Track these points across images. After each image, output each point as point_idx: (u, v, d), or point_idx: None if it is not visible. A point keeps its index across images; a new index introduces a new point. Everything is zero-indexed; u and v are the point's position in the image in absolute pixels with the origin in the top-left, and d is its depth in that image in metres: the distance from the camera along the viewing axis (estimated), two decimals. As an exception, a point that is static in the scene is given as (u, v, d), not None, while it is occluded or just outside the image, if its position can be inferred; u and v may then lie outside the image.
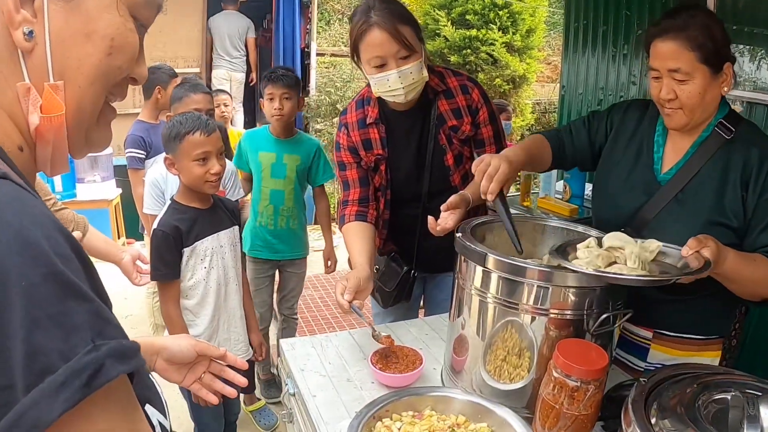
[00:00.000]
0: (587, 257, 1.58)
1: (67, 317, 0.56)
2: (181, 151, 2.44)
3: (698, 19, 1.72)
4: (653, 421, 1.14)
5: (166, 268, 2.51)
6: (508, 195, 1.85)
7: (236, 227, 2.74)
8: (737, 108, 3.43)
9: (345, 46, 13.68)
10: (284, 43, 8.24)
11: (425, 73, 2.22)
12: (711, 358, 1.90)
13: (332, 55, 11.04)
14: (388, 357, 1.89)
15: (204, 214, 2.58)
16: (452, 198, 2.02)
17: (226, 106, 4.98)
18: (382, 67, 2.17)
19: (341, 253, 6.83)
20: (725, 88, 1.77)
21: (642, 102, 2.01)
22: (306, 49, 8.56)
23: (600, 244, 1.63)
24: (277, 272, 3.91)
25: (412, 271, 2.52)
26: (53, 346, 0.54)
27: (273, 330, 4.26)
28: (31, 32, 0.72)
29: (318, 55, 9.33)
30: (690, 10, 1.76)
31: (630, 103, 2.09)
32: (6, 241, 0.55)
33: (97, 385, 0.55)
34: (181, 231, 2.50)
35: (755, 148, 1.76)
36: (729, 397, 1.16)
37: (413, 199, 2.47)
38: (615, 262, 1.58)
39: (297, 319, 4.16)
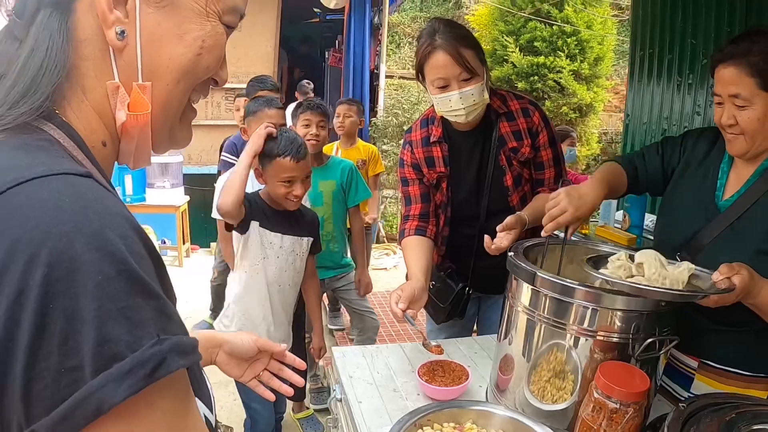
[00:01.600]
0: (612, 270, 1.60)
1: (136, 312, 0.60)
2: (270, 169, 2.63)
3: (760, 45, 1.72)
4: (690, 445, 1.15)
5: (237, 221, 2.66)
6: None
7: (310, 239, 2.89)
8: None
9: (414, 69, 13.81)
10: (354, 64, 8.38)
11: (486, 95, 2.27)
12: (758, 395, 1.85)
13: (401, 77, 11.17)
14: (435, 371, 1.93)
15: (279, 214, 2.75)
16: (509, 219, 2.07)
17: (349, 117, 4.96)
18: (444, 88, 2.23)
19: (395, 274, 6.91)
20: None
21: (715, 130, 2.00)
22: (375, 71, 8.68)
23: (632, 260, 1.65)
24: (325, 295, 3.99)
25: (467, 288, 2.55)
26: (122, 336, 0.58)
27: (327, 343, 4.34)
28: (123, 32, 0.75)
29: (387, 77, 9.45)
30: (754, 36, 1.76)
31: (703, 130, 2.09)
32: (86, 237, 0.59)
33: (159, 376, 0.60)
34: (256, 208, 2.68)
35: None
36: (769, 427, 1.17)
37: (472, 218, 2.52)
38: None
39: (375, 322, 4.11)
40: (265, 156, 2.63)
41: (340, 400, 1.99)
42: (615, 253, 1.72)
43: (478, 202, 2.49)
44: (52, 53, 0.73)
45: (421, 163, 2.50)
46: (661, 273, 1.56)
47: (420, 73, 2.33)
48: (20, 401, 0.56)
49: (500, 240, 2.05)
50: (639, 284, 1.47)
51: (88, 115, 0.77)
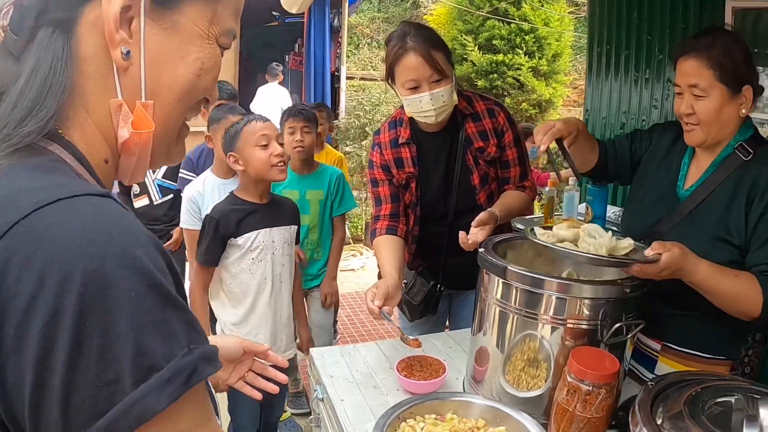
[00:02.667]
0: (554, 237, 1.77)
1: (168, 324, 0.64)
2: (242, 141, 2.62)
3: (722, 40, 1.83)
4: (659, 421, 1.23)
5: (207, 253, 2.66)
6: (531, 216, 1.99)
7: (295, 227, 2.88)
8: (765, 131, 3.49)
9: (374, 69, 13.89)
10: (315, 67, 8.43)
11: (455, 96, 2.36)
12: None
13: (362, 78, 11.23)
14: (413, 366, 1.99)
15: (260, 208, 2.72)
16: (482, 215, 2.15)
17: (320, 124, 4.72)
18: (415, 89, 2.31)
19: (363, 275, 6.96)
20: (743, 110, 1.86)
21: (679, 125, 2.08)
22: (336, 73, 8.74)
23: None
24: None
25: (438, 285, 2.62)
26: (157, 348, 0.62)
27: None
28: (128, 52, 0.77)
29: (348, 78, 9.52)
30: (715, 32, 1.88)
31: (669, 125, 2.20)
32: (116, 257, 0.62)
33: (193, 383, 0.64)
34: (230, 220, 2.64)
35: (767, 168, 1.83)
36: (732, 400, 1.24)
37: (441, 216, 2.59)
38: None
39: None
40: (233, 137, 2.65)
41: (322, 400, 2.04)
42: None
43: (446, 201, 2.57)
44: (56, 72, 0.75)
45: (390, 164, 2.56)
46: (593, 243, 1.69)
47: (390, 75, 2.39)
48: (59, 416, 0.59)
49: (474, 235, 2.12)
50: (567, 249, 1.65)
51: (90, 133, 0.79)
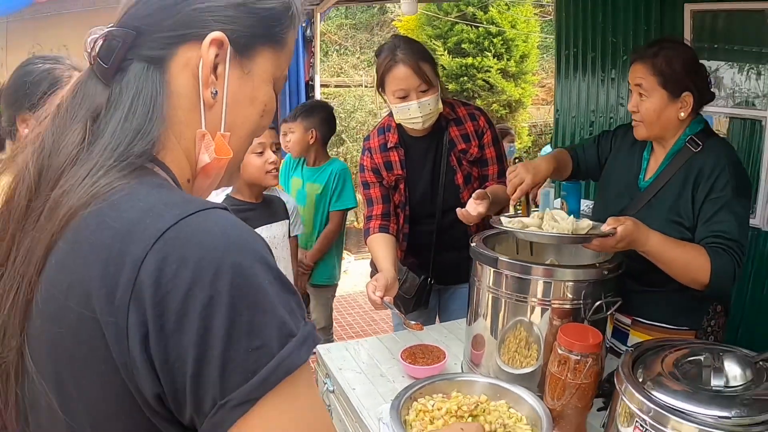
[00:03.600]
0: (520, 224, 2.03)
1: (290, 304, 0.77)
2: None
3: (665, 51, 2.08)
4: (640, 379, 1.43)
5: None
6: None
7: (287, 221, 3.02)
8: (722, 122, 3.72)
9: (345, 76, 14.05)
10: (290, 78, 8.52)
11: (440, 104, 2.58)
12: None
13: (336, 86, 11.37)
14: (416, 354, 2.17)
15: (257, 207, 2.86)
16: (479, 191, 2.35)
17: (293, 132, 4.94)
18: (404, 98, 2.51)
19: (347, 279, 7.09)
20: (682, 114, 2.10)
21: None
22: (310, 83, 8.86)
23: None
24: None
25: (429, 279, 2.81)
26: (289, 320, 0.76)
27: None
28: (216, 92, 0.90)
29: (322, 86, 9.65)
30: (664, 42, 2.13)
31: (631, 125, 2.40)
32: (251, 254, 0.76)
33: (316, 344, 0.80)
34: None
35: (712, 157, 2.06)
36: (702, 358, 1.44)
37: (429, 215, 2.80)
38: None
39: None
40: None
41: (333, 392, 2.21)
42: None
43: (433, 201, 2.77)
44: (156, 102, 0.86)
45: (380, 167, 2.76)
46: (554, 225, 1.95)
47: (380, 85, 2.59)
48: (218, 378, 0.71)
49: (475, 208, 2.31)
50: (535, 231, 1.94)
51: (179, 157, 0.90)
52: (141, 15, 0.88)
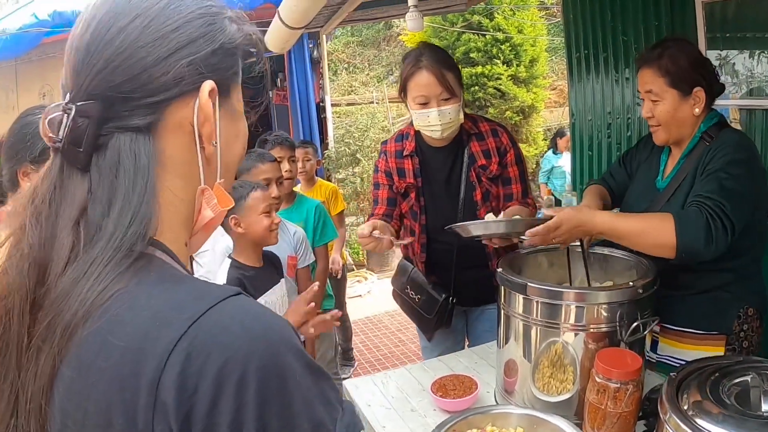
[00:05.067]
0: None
1: (324, 393, 0.72)
2: (247, 209, 2.66)
3: (669, 51, 2.08)
4: (685, 407, 1.34)
5: None
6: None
7: (283, 279, 2.92)
8: (735, 114, 3.62)
9: (356, 94, 14.03)
10: (300, 100, 8.52)
11: (461, 115, 2.52)
12: (713, 352, 2.07)
13: (348, 104, 11.35)
14: (446, 385, 2.09)
15: (260, 271, 2.77)
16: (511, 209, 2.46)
17: (308, 161, 4.72)
18: (425, 104, 2.47)
19: (370, 300, 7.01)
20: (696, 110, 2.08)
21: None
22: (321, 104, 8.85)
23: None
24: None
25: (451, 298, 2.73)
26: (325, 417, 0.70)
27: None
28: (215, 143, 0.84)
29: (333, 105, 9.64)
30: (666, 43, 2.13)
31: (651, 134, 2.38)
32: (277, 346, 0.69)
33: None
34: (246, 287, 2.66)
35: (718, 142, 2.04)
36: (748, 379, 1.36)
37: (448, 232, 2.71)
38: None
39: (339, 376, 4.10)
40: (237, 201, 2.63)
41: (363, 430, 2.13)
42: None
43: (453, 217, 2.68)
44: (150, 177, 0.78)
45: (393, 171, 2.75)
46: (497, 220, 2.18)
47: (403, 90, 2.56)
48: None
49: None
50: (477, 222, 2.19)
51: (176, 225, 0.83)
52: (111, 83, 0.77)
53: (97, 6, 0.80)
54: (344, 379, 4.25)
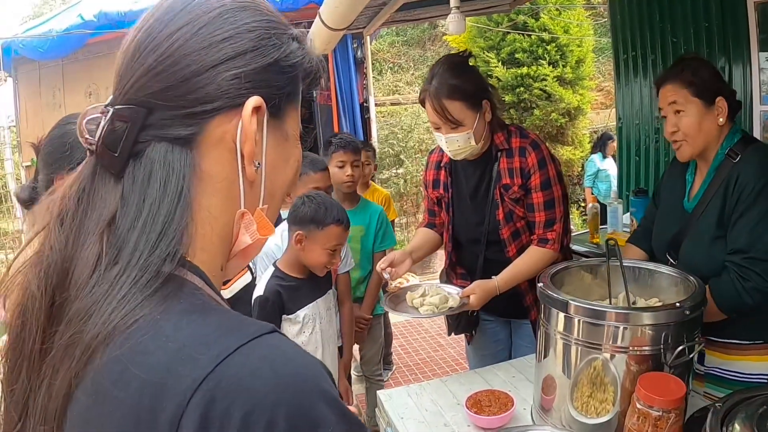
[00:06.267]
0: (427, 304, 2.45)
1: None
2: (318, 236, 2.59)
3: (688, 64, 2.15)
4: (732, 442, 1.27)
5: None
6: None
7: (331, 290, 2.89)
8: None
9: (399, 94, 14.03)
10: (344, 100, 8.52)
11: (473, 141, 2.44)
12: (761, 362, 2.06)
13: (392, 104, 11.32)
14: (481, 401, 2.03)
15: (304, 282, 2.71)
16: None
17: (367, 164, 4.60)
18: (438, 129, 2.46)
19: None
20: (720, 119, 2.11)
21: None
22: (365, 104, 8.83)
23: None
24: None
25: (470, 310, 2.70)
26: None
27: (360, 389, 4.42)
28: (258, 164, 0.79)
29: (376, 105, 9.62)
30: (686, 60, 2.21)
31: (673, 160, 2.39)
32: (309, 393, 0.64)
33: None
34: (284, 298, 2.64)
35: (747, 164, 2.05)
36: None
37: (473, 242, 2.71)
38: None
39: (382, 379, 4.07)
40: (311, 221, 2.60)
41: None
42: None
43: (479, 230, 2.65)
44: (185, 192, 0.74)
45: (429, 182, 2.80)
46: (429, 301, 2.44)
47: None
48: None
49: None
50: (411, 314, 2.46)
51: (211, 247, 0.78)
52: (153, 89, 0.74)
53: (154, 10, 0.78)
54: (384, 381, 4.26)
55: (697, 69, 2.11)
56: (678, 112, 2.12)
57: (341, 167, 3.52)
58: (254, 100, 0.76)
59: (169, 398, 0.62)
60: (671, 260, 2.22)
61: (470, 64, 2.56)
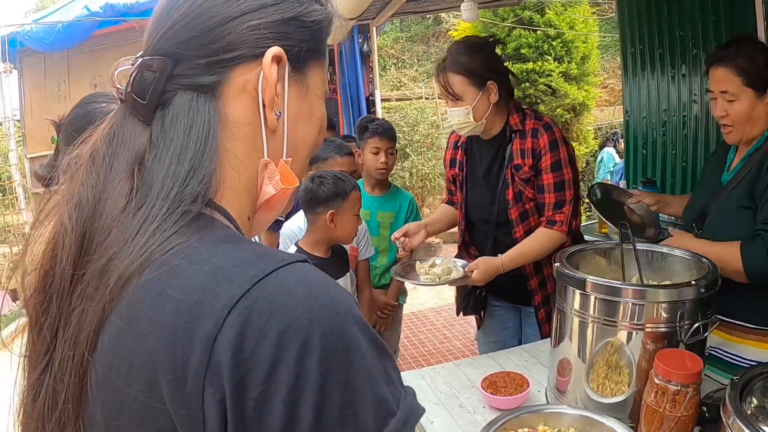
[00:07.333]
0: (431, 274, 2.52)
1: (387, 372, 0.67)
2: (346, 207, 2.65)
3: (744, 50, 2.10)
4: (749, 411, 1.29)
5: None
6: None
7: (350, 272, 2.92)
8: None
9: (406, 89, 14.03)
10: (350, 93, 8.52)
11: (471, 118, 2.49)
12: (760, 348, 2.09)
13: (398, 99, 11.34)
14: (497, 382, 2.05)
15: (325, 263, 2.73)
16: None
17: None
18: (447, 102, 2.57)
19: (418, 296, 6.98)
20: None
21: None
22: (370, 98, 8.84)
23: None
24: None
25: (480, 291, 2.81)
26: (388, 395, 0.66)
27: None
28: (279, 114, 0.82)
29: (383, 100, 9.63)
30: (739, 42, 2.16)
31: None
32: (344, 317, 0.65)
33: (418, 419, 0.69)
34: None
35: None
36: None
37: (485, 221, 2.75)
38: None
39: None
40: (337, 196, 2.63)
41: (425, 412, 2.10)
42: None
43: (488, 211, 2.71)
44: (211, 137, 0.77)
45: (446, 162, 2.90)
46: (434, 272, 2.50)
47: None
48: None
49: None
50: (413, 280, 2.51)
51: (239, 195, 0.81)
52: (179, 39, 0.78)
53: None
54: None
55: (752, 56, 2.08)
56: (729, 98, 2.12)
57: (375, 153, 3.46)
58: (274, 50, 0.79)
59: (205, 316, 0.63)
60: (696, 230, 2.28)
61: (495, 49, 2.64)
